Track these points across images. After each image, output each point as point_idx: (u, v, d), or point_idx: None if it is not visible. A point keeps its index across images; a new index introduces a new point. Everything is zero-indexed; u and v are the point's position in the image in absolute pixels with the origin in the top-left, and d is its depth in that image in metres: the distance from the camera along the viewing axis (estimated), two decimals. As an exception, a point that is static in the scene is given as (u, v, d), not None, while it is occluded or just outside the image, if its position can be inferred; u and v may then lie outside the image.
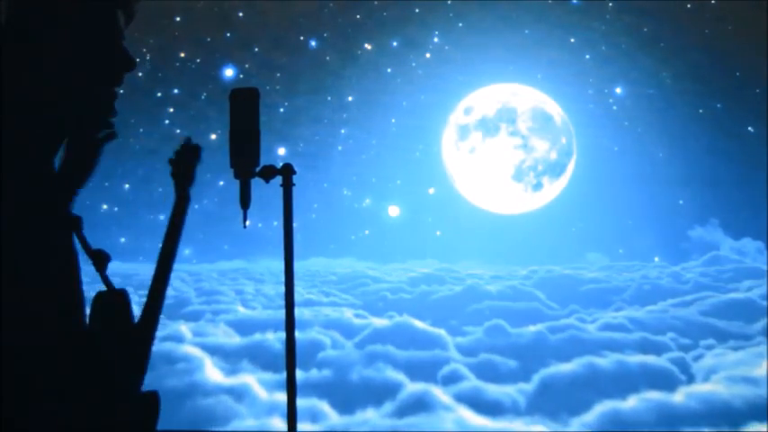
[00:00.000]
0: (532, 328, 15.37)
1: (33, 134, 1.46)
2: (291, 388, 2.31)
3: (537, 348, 14.05)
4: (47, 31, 1.46)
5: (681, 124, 31.32)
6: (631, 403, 9.83)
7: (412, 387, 11.18)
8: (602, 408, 9.81)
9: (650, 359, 12.54)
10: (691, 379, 11.87)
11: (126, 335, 1.61)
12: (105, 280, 1.64)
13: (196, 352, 11.44)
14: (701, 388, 10.62)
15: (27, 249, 1.40)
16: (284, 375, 2.31)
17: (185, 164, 1.87)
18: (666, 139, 31.39)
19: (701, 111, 31.22)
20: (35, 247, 1.41)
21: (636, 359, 12.46)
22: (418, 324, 14.90)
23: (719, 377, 11.06)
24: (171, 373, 10.25)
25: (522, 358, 13.42)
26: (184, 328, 14.18)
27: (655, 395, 10.05)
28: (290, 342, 2.27)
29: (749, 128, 30.33)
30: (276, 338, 13.61)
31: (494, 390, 11.40)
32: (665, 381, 11.31)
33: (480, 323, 16.00)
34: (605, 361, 12.21)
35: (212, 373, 10.85)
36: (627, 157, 32.54)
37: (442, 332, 14.54)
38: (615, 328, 15.73)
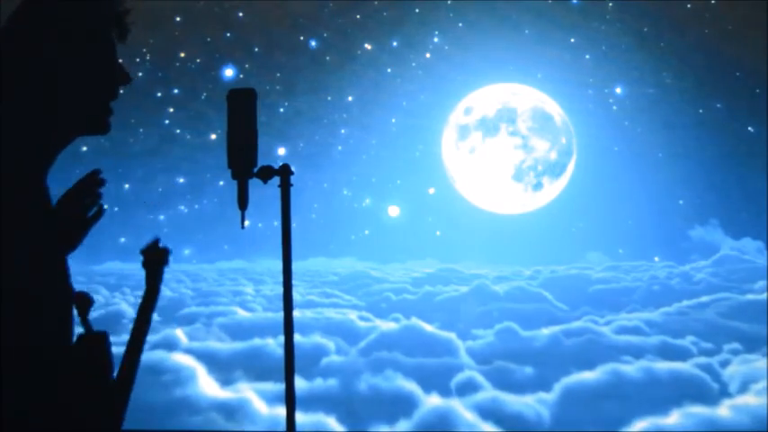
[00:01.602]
0: (545, 332, 14.05)
1: (25, 144, 1.43)
2: (290, 399, 2.12)
3: (553, 354, 12.73)
4: (46, 45, 1.44)
5: (681, 124, 30.30)
6: (675, 419, 8.49)
7: (426, 399, 9.82)
8: (645, 424, 8.47)
9: (678, 366, 11.21)
10: (724, 388, 10.55)
11: (103, 383, 1.49)
12: (86, 324, 1.53)
13: (189, 361, 9.97)
14: (746, 400, 9.28)
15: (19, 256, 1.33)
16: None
17: (155, 264, 1.78)
18: (666, 139, 30.38)
19: (701, 111, 30.25)
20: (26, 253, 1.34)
21: (662, 366, 11.13)
22: (426, 327, 13.50)
23: (761, 387, 9.74)
24: (159, 385, 8.79)
25: (538, 365, 12.10)
26: (179, 333, 12.79)
27: (698, 410, 8.71)
28: (289, 346, 2.10)
29: (749, 128, 29.50)
30: (277, 343, 12.26)
31: (513, 401, 10.05)
32: (700, 391, 10.00)
33: (490, 326, 14.67)
34: (631, 368, 10.87)
35: (206, 384, 9.42)
36: (627, 157, 31.53)
37: (451, 336, 13.15)
38: (632, 331, 14.41)
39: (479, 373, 11.31)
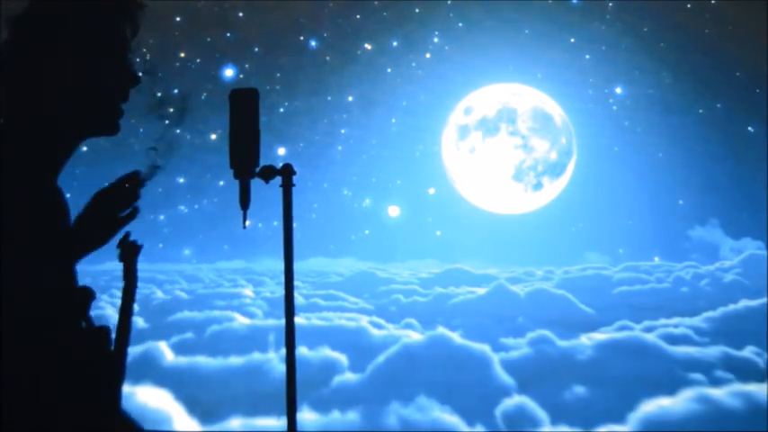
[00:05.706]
0: (586, 341, 11.09)
1: (35, 147, 1.28)
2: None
3: (606, 369, 9.75)
4: (57, 45, 1.29)
5: (681, 124, 27.80)
6: None
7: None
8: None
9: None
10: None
11: (101, 376, 1.32)
12: (86, 319, 1.34)
13: (163, 398, 6.80)
14: None
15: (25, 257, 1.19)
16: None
17: (128, 260, 1.53)
18: (666, 139, 27.92)
19: (700, 111, 27.79)
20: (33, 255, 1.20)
21: (755, 389, 8.18)
22: (454, 338, 10.44)
23: None
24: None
25: (592, 384, 9.14)
26: (163, 346, 9.69)
27: None
28: (291, 357, 1.70)
29: (749, 128, 27.10)
30: (279, 358, 9.26)
31: (586, 440, 7.10)
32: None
33: (521, 334, 11.70)
34: (722, 393, 7.91)
35: (184, 426, 6.35)
36: (627, 157, 29.07)
37: (484, 348, 10.12)
38: (682, 340, 11.48)
39: (529, 399, 8.31)
